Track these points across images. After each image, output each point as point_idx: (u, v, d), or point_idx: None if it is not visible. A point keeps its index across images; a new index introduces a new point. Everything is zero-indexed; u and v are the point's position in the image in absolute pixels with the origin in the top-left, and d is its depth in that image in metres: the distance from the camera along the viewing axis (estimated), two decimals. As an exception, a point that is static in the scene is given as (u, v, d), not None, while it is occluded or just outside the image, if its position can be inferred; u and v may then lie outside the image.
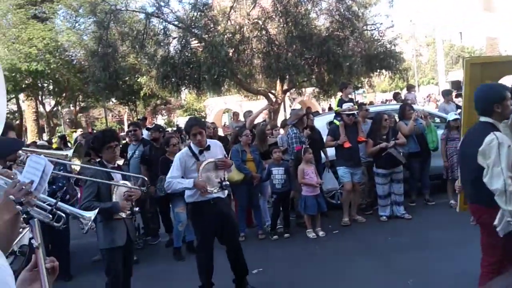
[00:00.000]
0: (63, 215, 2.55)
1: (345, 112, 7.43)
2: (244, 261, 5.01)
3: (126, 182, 4.43)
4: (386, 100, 20.83)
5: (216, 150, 4.95)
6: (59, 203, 2.50)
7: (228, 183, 4.86)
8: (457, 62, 40.86)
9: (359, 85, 17.39)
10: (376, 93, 43.46)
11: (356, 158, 7.46)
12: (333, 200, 8.19)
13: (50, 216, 2.43)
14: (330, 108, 17.49)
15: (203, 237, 4.92)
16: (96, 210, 3.36)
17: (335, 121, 7.71)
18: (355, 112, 7.55)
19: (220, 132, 9.60)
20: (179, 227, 6.50)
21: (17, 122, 25.09)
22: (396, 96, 14.65)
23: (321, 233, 6.87)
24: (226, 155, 5.21)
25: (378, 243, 6.33)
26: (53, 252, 5.84)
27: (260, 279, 5.36)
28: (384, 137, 7.29)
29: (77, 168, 4.05)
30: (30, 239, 2.69)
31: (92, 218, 3.15)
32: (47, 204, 2.47)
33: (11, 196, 1.93)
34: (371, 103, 18.31)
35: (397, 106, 8.75)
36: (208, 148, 4.86)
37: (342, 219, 7.29)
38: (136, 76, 15.92)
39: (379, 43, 13.49)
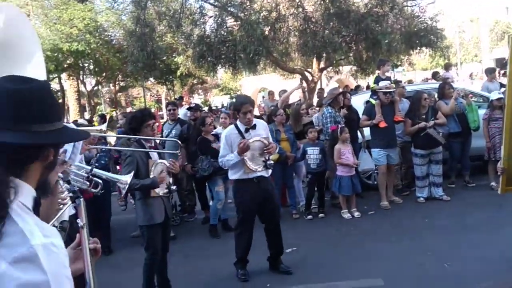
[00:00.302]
0: (100, 181, 2.60)
1: (382, 90, 7.21)
2: (281, 241, 5.08)
3: (164, 161, 4.54)
4: (427, 79, 20.18)
5: (262, 129, 4.98)
6: (95, 169, 2.55)
7: (272, 162, 4.93)
8: (502, 38, 39.04)
9: (399, 63, 16.92)
10: (416, 72, 42.22)
11: (392, 138, 7.26)
12: (369, 181, 8.10)
13: (87, 182, 2.49)
14: (367, 87, 17.11)
15: (245, 213, 4.99)
16: (132, 173, 3.40)
17: (370, 99, 7.50)
18: (392, 90, 7.36)
19: (256, 112, 9.58)
20: (218, 205, 6.61)
21: (60, 101, 25.91)
22: (435, 75, 14.19)
23: (356, 214, 6.84)
24: (271, 136, 5.23)
25: (415, 225, 6.24)
26: (94, 227, 6.08)
27: (293, 258, 5.40)
28: (423, 117, 7.11)
29: (113, 141, 4.14)
30: (71, 216, 2.81)
31: (129, 181, 3.18)
32: (83, 172, 2.53)
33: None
34: (410, 82, 17.82)
35: (437, 85, 8.47)
36: (254, 127, 4.90)
37: (380, 202, 7.14)
38: (173, 55, 16.06)
39: (420, 19, 13.04)
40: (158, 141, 5.41)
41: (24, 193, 1.27)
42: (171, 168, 4.44)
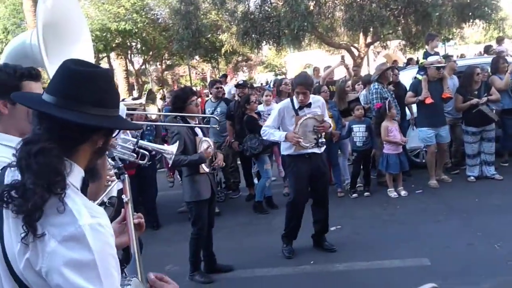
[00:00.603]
0: (146, 153, 2.66)
1: (433, 65, 6.88)
2: (327, 219, 5.07)
3: (208, 139, 4.61)
4: (480, 53, 19.23)
5: (318, 106, 4.93)
6: (140, 141, 2.61)
7: (324, 140, 4.91)
8: None
9: (450, 37, 16.21)
10: (469, 45, 40.28)
11: (440, 116, 6.94)
12: (417, 159, 7.90)
13: (134, 155, 2.55)
14: (417, 62, 16.52)
15: (296, 189, 4.99)
16: (177, 143, 3.47)
17: (417, 75, 7.20)
18: (443, 65, 7.04)
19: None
20: (267, 183, 6.66)
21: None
22: (487, 49, 13.46)
23: (403, 193, 6.70)
24: (326, 112, 5.19)
25: (465, 204, 6.05)
26: (142, 203, 6.29)
27: (338, 236, 5.39)
28: (476, 93, 6.81)
29: (153, 116, 4.21)
30: (119, 191, 2.91)
31: (174, 151, 3.24)
32: (129, 144, 2.59)
33: None
34: (462, 56, 17.05)
35: (490, 59, 8.05)
36: (309, 105, 4.86)
37: (428, 181, 6.93)
38: (217, 33, 16.09)
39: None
40: (201, 119, 5.48)
41: (74, 173, 1.32)
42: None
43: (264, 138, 5.16)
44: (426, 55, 7.19)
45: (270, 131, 4.91)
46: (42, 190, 1.20)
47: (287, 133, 4.78)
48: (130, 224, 1.80)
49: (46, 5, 2.28)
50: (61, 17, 2.44)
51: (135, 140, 2.58)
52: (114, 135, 1.56)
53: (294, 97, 4.97)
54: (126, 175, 2.00)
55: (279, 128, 4.95)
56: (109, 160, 2.21)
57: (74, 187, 1.30)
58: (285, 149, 5.02)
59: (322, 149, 4.97)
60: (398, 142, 6.65)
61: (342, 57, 9.78)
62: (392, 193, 6.70)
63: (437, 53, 7.39)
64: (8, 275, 1.27)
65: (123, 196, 1.88)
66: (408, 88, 7.37)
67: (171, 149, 3.18)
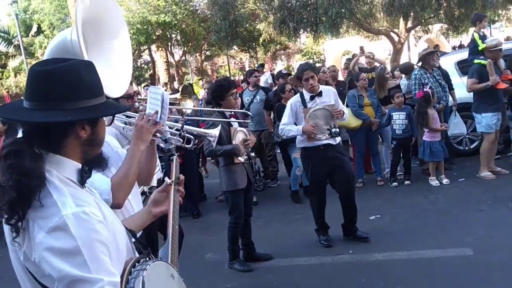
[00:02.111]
0: (192, 137, 2.73)
1: (497, 47, 6.41)
2: (355, 209, 5.00)
3: (243, 129, 4.65)
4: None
5: (329, 96, 4.91)
6: (185, 126, 2.68)
7: (337, 130, 4.85)
8: None
9: (496, 19, 15.50)
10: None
11: (501, 100, 6.53)
12: (460, 146, 7.67)
13: (181, 139, 2.63)
14: (460, 46, 15.94)
15: (314, 181, 5.03)
16: (219, 127, 3.55)
17: (478, 60, 6.58)
18: (501, 47, 6.56)
19: (340, 76, 9.37)
20: (297, 171, 6.65)
21: (151, 72, 27.20)
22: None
23: (445, 181, 6.53)
24: (340, 102, 5.13)
25: (509, 192, 5.81)
26: (185, 190, 6.41)
27: (377, 225, 5.34)
28: (523, 77, 6.50)
29: (188, 111, 4.27)
30: (159, 180, 3.00)
31: (217, 134, 3.32)
32: (175, 129, 2.67)
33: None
34: (508, 39, 16.30)
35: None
36: (320, 94, 4.85)
37: (481, 173, 6.53)
38: (255, 22, 16.07)
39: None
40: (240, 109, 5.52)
41: (66, 167, 1.40)
42: (246, 140, 4.55)
43: (284, 136, 5.16)
44: (482, 38, 6.82)
45: (286, 128, 4.92)
46: (12, 189, 1.27)
47: (303, 126, 4.79)
48: (171, 206, 1.84)
49: (85, 2, 2.36)
50: (100, 13, 2.52)
51: (180, 125, 2.65)
52: (107, 124, 1.62)
53: (303, 90, 4.97)
54: (175, 157, 2.06)
55: (295, 124, 4.94)
56: (161, 143, 2.30)
57: (65, 179, 1.38)
58: (300, 142, 5.02)
59: (338, 139, 4.92)
60: (440, 129, 6.48)
61: (361, 47, 9.54)
62: (434, 182, 6.54)
63: (485, 35, 7.08)
64: (22, 265, 1.37)
65: (166, 179, 1.94)
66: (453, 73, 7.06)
67: (214, 133, 3.25)
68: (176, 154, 2.19)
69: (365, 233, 4.98)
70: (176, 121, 2.97)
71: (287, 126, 4.93)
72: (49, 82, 1.37)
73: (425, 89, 6.55)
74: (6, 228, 1.37)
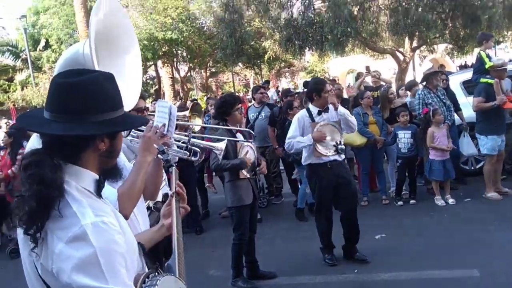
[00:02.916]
0: (198, 150, 2.73)
1: (503, 66, 6.37)
2: (357, 229, 4.95)
3: (250, 143, 4.65)
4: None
5: (334, 113, 4.92)
6: (192, 139, 2.67)
7: (343, 146, 4.84)
8: None
9: (500, 40, 15.58)
10: (523, 47, 38.51)
11: (505, 121, 6.49)
12: (466, 166, 7.63)
13: (187, 152, 2.62)
14: (465, 66, 15.99)
15: (320, 199, 4.97)
16: (226, 140, 3.54)
17: (484, 79, 6.58)
18: (507, 67, 6.54)
19: (344, 94, 9.37)
20: (306, 189, 6.61)
21: (156, 87, 27.39)
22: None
23: (450, 201, 6.48)
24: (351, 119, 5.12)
25: (517, 214, 5.80)
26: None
27: (382, 244, 5.29)
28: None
29: (197, 128, 4.29)
30: (164, 195, 2.99)
31: (223, 148, 3.31)
32: (181, 142, 2.67)
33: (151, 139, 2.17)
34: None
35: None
36: (326, 110, 4.86)
37: (487, 194, 6.48)
38: (261, 40, 16.21)
39: (528, -11, 11.85)
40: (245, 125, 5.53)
41: (84, 178, 1.41)
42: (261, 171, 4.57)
43: (291, 151, 5.13)
44: (489, 57, 6.82)
45: (294, 140, 4.89)
46: (32, 199, 1.28)
47: (312, 134, 4.76)
48: (174, 218, 1.82)
49: (98, 16, 2.38)
50: (112, 28, 2.54)
51: (187, 138, 2.65)
52: (125, 135, 1.62)
53: (310, 105, 4.98)
54: (174, 168, 2.06)
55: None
56: (159, 154, 2.30)
57: (84, 190, 1.38)
58: (306, 159, 4.98)
59: (343, 156, 4.91)
60: (444, 149, 6.45)
61: (367, 67, 9.56)
62: (439, 201, 6.50)
63: (489, 55, 7.09)
64: (37, 278, 1.37)
65: (168, 190, 1.93)
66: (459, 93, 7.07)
67: (220, 146, 3.26)
68: (174, 165, 2.17)
69: (364, 255, 4.91)
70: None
71: (295, 139, 4.90)
72: (71, 94, 1.38)
73: (431, 107, 6.55)
74: (21, 240, 1.37)
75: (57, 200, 1.30)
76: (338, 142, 4.79)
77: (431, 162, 6.51)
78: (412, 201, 6.76)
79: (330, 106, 4.92)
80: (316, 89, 4.92)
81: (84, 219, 1.29)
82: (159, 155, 2.31)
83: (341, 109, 4.92)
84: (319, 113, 4.87)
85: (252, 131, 5.33)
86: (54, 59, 22.29)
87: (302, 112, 5.06)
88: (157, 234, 1.90)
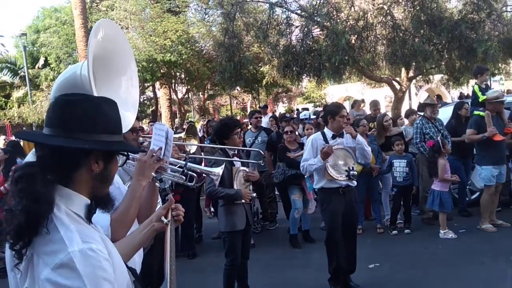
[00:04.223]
0: (195, 174, 2.70)
1: (498, 99, 6.45)
2: (355, 258, 4.90)
3: (246, 168, 4.63)
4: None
5: (350, 139, 4.87)
6: (189, 163, 2.65)
7: (355, 173, 4.77)
8: None
9: (495, 72, 15.80)
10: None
11: (504, 152, 6.52)
12: (457, 195, 7.61)
13: (184, 177, 2.59)
14: (460, 97, 16.17)
15: (332, 225, 4.83)
16: (223, 166, 3.51)
17: (477, 112, 6.69)
18: (504, 99, 6.64)
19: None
20: (295, 214, 6.57)
21: (153, 108, 27.45)
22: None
23: (450, 235, 6.35)
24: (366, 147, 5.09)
25: (511, 246, 5.75)
26: (182, 227, 6.32)
27: (376, 274, 5.23)
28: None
29: (193, 149, 4.26)
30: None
31: (220, 173, 3.29)
32: (178, 167, 2.64)
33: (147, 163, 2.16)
34: (508, 92, 16.58)
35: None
36: (341, 135, 4.83)
37: (482, 225, 6.45)
38: (259, 65, 16.34)
39: (521, 25, 12.08)
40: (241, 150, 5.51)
41: (75, 202, 1.39)
42: (250, 176, 4.52)
43: (306, 174, 5.10)
44: (482, 89, 6.89)
45: (308, 163, 4.83)
46: (21, 214, 1.26)
47: (320, 155, 4.68)
48: (167, 244, 1.81)
49: (97, 38, 2.39)
50: (110, 49, 2.55)
51: (184, 162, 2.63)
52: (120, 164, 1.62)
53: (325, 129, 4.96)
54: (170, 195, 2.04)
55: None
56: (157, 182, 2.28)
57: (73, 214, 1.36)
58: (318, 182, 4.91)
59: (355, 182, 4.85)
60: (453, 179, 6.42)
61: (394, 88, 9.62)
62: (450, 234, 6.29)
63: (487, 86, 7.18)
64: None
65: (163, 218, 1.90)
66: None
67: (217, 171, 3.22)
68: (170, 194, 2.16)
69: (357, 284, 4.84)
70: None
71: (308, 162, 4.84)
72: (72, 111, 1.41)
73: (437, 138, 6.52)
74: (8, 255, 1.34)
75: (46, 216, 1.28)
76: (351, 168, 4.73)
77: (441, 194, 6.33)
78: (406, 231, 6.72)
79: (345, 132, 4.91)
80: (331, 112, 4.90)
81: (72, 246, 1.27)
82: (156, 184, 2.29)
83: (359, 137, 4.89)
84: (333, 137, 4.82)
85: (262, 152, 5.30)
86: (52, 77, 22.35)
87: (317, 135, 5.01)
88: (147, 233, 1.89)
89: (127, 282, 1.49)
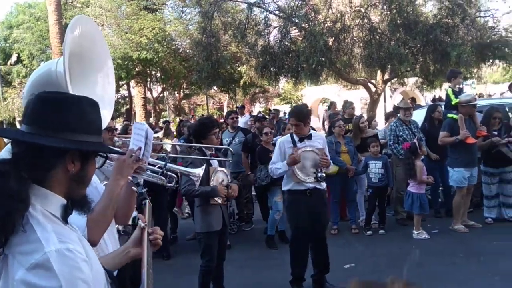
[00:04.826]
0: (174, 175, 2.66)
1: (471, 102, 6.55)
2: (327, 259, 4.92)
3: (223, 169, 4.60)
4: (502, 93, 19.19)
5: (317, 141, 4.89)
6: (168, 164, 2.61)
7: (324, 175, 4.79)
8: None
9: (468, 76, 16.16)
10: (487, 85, 40.10)
11: (475, 155, 6.63)
12: (430, 197, 7.76)
13: (163, 178, 2.56)
14: (433, 100, 16.46)
15: (298, 227, 4.86)
16: (204, 167, 3.48)
17: (450, 115, 6.83)
18: (476, 103, 6.75)
19: (316, 122, 9.47)
20: (276, 215, 6.57)
21: (128, 106, 27.09)
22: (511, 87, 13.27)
23: (424, 236, 6.46)
24: (328, 151, 5.12)
25: (482, 247, 5.90)
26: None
27: (351, 274, 5.27)
28: (495, 133, 6.71)
29: (168, 147, 4.23)
30: (133, 218, 2.90)
31: (201, 174, 3.26)
32: (157, 167, 2.60)
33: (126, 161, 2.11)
34: (480, 96, 17.00)
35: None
36: (309, 137, 4.84)
37: (454, 226, 6.57)
38: (237, 65, 16.31)
39: (494, 30, 12.38)
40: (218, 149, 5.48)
41: (51, 202, 1.35)
42: (231, 194, 4.49)
43: (274, 176, 5.11)
44: (456, 93, 7.01)
45: (274, 166, 4.86)
46: None
47: (287, 160, 4.72)
48: (145, 250, 1.78)
49: (74, 34, 2.34)
50: (87, 46, 2.50)
51: (164, 163, 2.59)
52: (98, 166, 1.59)
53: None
54: (148, 201, 2.00)
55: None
56: (134, 187, 2.23)
57: (49, 214, 1.32)
58: (285, 184, 4.93)
59: (324, 185, 4.88)
60: (429, 181, 6.52)
61: (370, 91, 9.66)
62: (423, 235, 6.39)
63: (461, 90, 7.33)
64: None
65: (140, 222, 1.87)
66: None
67: (198, 172, 3.19)
68: (148, 198, 2.12)
69: (333, 285, 4.87)
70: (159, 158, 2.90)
71: (275, 165, 4.86)
72: (51, 108, 1.37)
73: (413, 140, 6.60)
74: None
75: (21, 214, 1.23)
76: (319, 170, 4.74)
77: (420, 197, 6.40)
78: (381, 231, 6.80)
79: (315, 135, 4.91)
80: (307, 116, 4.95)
81: (48, 246, 1.23)
82: (133, 188, 2.25)
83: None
84: (301, 140, 4.83)
85: (230, 148, 5.29)
86: (24, 74, 21.85)
87: (285, 137, 5.03)
88: (121, 259, 1.85)
89: (104, 283, 1.45)
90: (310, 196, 4.75)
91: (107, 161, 2.53)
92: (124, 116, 26.41)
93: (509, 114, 7.50)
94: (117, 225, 2.60)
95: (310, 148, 4.79)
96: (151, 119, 26.73)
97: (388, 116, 8.55)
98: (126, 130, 6.40)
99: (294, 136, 4.89)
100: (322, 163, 4.74)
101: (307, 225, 4.80)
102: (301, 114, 4.85)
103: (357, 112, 10.90)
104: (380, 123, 11.83)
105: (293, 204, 4.87)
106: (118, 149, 2.24)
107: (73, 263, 1.24)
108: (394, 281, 1.06)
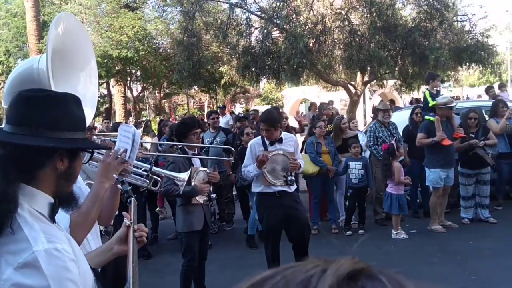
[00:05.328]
0: (159, 179, 2.65)
1: (447, 105, 6.66)
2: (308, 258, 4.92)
3: (205, 168, 4.60)
4: (479, 96, 19.62)
5: (290, 144, 4.90)
6: (154, 167, 2.60)
7: (293, 178, 4.79)
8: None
9: (445, 79, 16.47)
10: (464, 88, 40.96)
11: (452, 157, 6.74)
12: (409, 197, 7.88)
13: (148, 181, 2.54)
14: (411, 102, 16.73)
15: (268, 229, 4.91)
16: (189, 171, 3.46)
17: (427, 116, 6.95)
18: (453, 105, 6.87)
19: (296, 124, 9.49)
20: (256, 215, 6.58)
21: (107, 105, 26.78)
22: (488, 90, 13.58)
23: (402, 236, 6.56)
24: (299, 153, 5.13)
25: (458, 247, 6.02)
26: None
27: (331, 273, 5.31)
28: (472, 135, 6.86)
29: (148, 146, 4.22)
30: (114, 219, 2.89)
31: (186, 179, 3.25)
32: (142, 170, 2.59)
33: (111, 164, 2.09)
34: (456, 98, 17.35)
35: (490, 103, 8.13)
36: (280, 140, 4.84)
37: (432, 226, 6.70)
38: (218, 65, 16.28)
39: (470, 35, 12.65)
40: (201, 149, 5.48)
41: (38, 201, 1.34)
42: (211, 177, 4.49)
43: (247, 179, 5.11)
44: (433, 95, 7.11)
45: (246, 169, 4.86)
46: None
47: (256, 163, 4.72)
48: (130, 248, 1.77)
49: (57, 31, 2.31)
50: (70, 43, 2.48)
51: (149, 166, 2.58)
52: (85, 160, 1.59)
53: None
54: (133, 199, 2.00)
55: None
56: (118, 185, 2.22)
57: (37, 213, 1.31)
58: (255, 187, 4.93)
59: (293, 188, 4.86)
60: (407, 182, 6.61)
61: (350, 92, 9.78)
62: (402, 235, 6.49)
63: (438, 92, 7.45)
64: None
65: (126, 220, 1.87)
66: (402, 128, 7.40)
67: (183, 177, 3.19)
68: (134, 197, 2.12)
69: None
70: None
71: (247, 168, 4.87)
72: (35, 107, 1.35)
73: (391, 142, 6.69)
74: None
75: (9, 215, 1.22)
76: (288, 173, 4.74)
77: (399, 197, 6.45)
78: (360, 231, 6.88)
79: (286, 138, 4.92)
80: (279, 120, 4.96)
81: (36, 245, 1.22)
82: (118, 186, 2.24)
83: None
84: (272, 143, 4.81)
85: (233, 149, 5.29)
86: (1, 72, 21.40)
87: (256, 140, 5.03)
88: (105, 256, 1.84)
89: (91, 282, 1.45)
90: (279, 198, 4.75)
91: (91, 162, 2.52)
92: (104, 115, 26.08)
93: (486, 116, 7.66)
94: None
95: (281, 151, 4.79)
96: (131, 118, 26.48)
97: (373, 118, 8.58)
98: (116, 129, 6.34)
99: (265, 138, 4.88)
100: (291, 167, 4.76)
101: (277, 227, 4.81)
102: (271, 119, 4.80)
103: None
104: (360, 124, 11.97)
105: (263, 205, 4.88)
106: (106, 145, 2.22)
107: (61, 263, 1.23)
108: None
